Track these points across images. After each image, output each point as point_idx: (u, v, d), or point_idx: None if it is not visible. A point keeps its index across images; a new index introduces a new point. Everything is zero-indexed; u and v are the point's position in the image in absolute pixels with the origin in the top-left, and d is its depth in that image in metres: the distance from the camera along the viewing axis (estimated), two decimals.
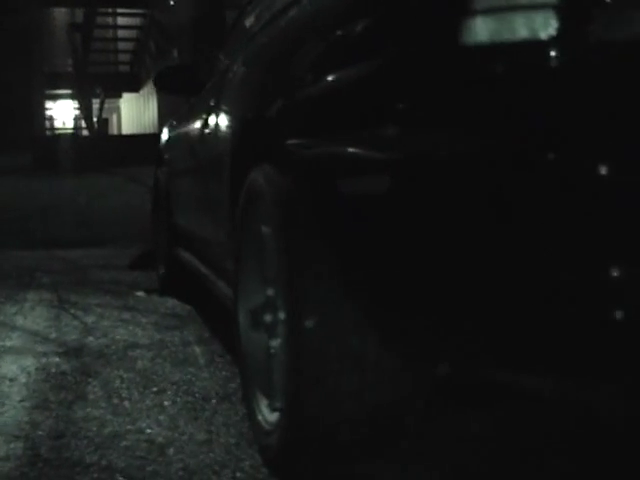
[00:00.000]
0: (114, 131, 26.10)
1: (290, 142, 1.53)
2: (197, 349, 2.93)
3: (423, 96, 1.16)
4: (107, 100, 20.93)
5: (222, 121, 2.28)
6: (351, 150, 1.31)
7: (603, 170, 1.02)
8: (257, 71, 1.97)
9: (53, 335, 3.22)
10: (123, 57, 21.44)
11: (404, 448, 1.66)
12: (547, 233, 1.07)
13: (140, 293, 4.16)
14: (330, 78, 1.42)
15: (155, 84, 3.36)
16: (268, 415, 1.78)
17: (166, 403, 2.29)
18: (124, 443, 1.97)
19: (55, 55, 21.66)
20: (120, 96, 23.33)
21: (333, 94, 1.39)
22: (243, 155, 1.92)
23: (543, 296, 1.08)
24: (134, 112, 23.14)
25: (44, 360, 2.80)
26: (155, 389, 2.43)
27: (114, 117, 26.65)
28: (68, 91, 20.65)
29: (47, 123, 22.84)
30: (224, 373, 2.57)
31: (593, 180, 1.03)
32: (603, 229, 1.04)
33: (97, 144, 16.32)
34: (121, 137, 21.26)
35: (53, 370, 2.67)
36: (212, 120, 2.50)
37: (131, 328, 3.33)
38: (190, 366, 2.69)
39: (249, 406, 1.92)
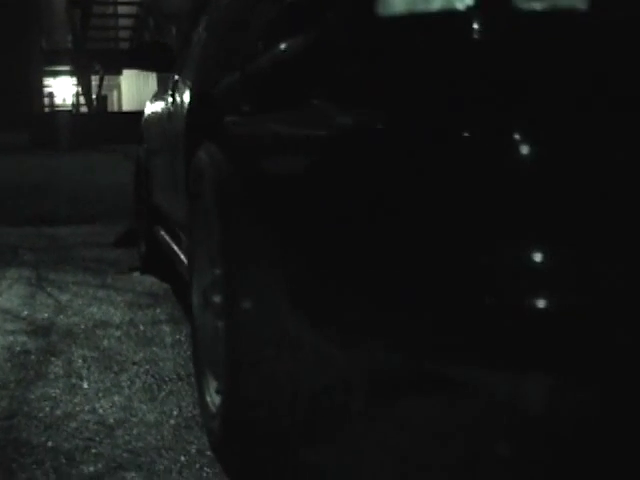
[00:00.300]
0: (114, 108, 26.00)
1: (227, 120, 1.49)
2: (166, 328, 2.91)
3: (345, 73, 1.11)
4: (107, 77, 20.84)
5: (180, 97, 2.24)
6: (276, 128, 1.27)
7: (525, 149, 0.98)
8: (206, 46, 1.92)
9: (25, 313, 3.19)
10: (123, 34, 21.29)
11: (348, 433, 1.62)
12: (470, 219, 1.02)
13: (130, 272, 4.13)
14: (263, 56, 1.37)
15: (129, 61, 3.31)
16: (215, 398, 1.75)
17: (124, 383, 2.26)
18: (74, 424, 1.94)
19: (55, 31, 21.54)
20: (120, 73, 23.18)
21: (265, 72, 1.35)
22: (193, 132, 1.88)
23: (462, 284, 1.04)
24: (134, 89, 23.02)
25: (10, 338, 2.78)
26: (116, 369, 2.40)
27: (114, 94, 26.53)
28: (68, 68, 20.54)
29: (47, 100, 22.75)
30: (188, 353, 2.54)
31: (513, 159, 0.99)
32: (525, 214, 1.00)
33: (95, 121, 16.25)
34: (120, 114, 21.16)
35: (18, 349, 2.64)
36: (174, 96, 2.45)
37: (104, 307, 3.30)
38: (155, 346, 2.66)
39: (200, 388, 1.89)
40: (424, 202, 1.04)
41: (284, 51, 1.28)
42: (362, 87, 1.08)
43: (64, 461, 1.72)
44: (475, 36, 1.00)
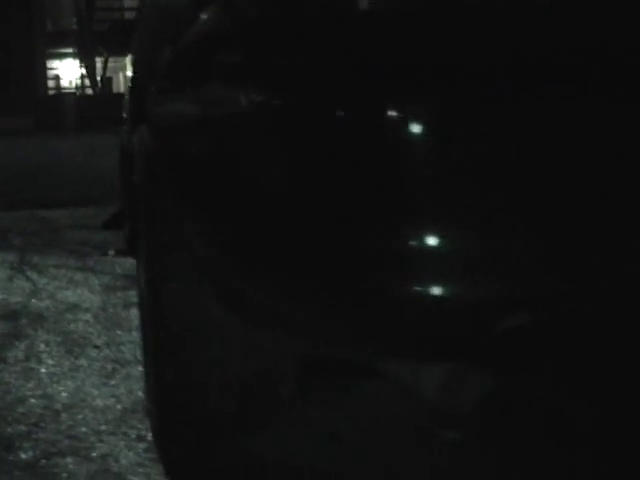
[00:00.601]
0: (121, 89, 25.95)
1: (149, 99, 1.46)
2: (136, 311, 2.88)
3: (239, 50, 1.07)
4: (113, 58, 20.78)
5: (130, 76, 2.21)
6: (182, 109, 1.23)
7: (409, 133, 0.93)
8: (141, 26, 1.89)
9: None
10: (129, 15, 21.21)
11: (283, 419, 1.59)
12: (363, 204, 0.98)
13: (111, 252, 4.12)
14: (177, 34, 1.33)
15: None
16: None
17: (81, 367, 2.24)
18: (22, 409, 1.93)
19: (60, 13, 21.50)
20: (126, 54, 23.12)
21: (175, 52, 1.31)
22: (134, 113, 1.84)
23: (350, 271, 1.00)
24: None
25: None
26: (77, 352, 2.39)
27: (120, 75, 26.48)
28: (74, 50, 20.52)
29: (53, 82, 22.74)
30: None
31: (396, 143, 0.94)
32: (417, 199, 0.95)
33: (100, 103, 16.23)
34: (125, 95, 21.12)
35: None
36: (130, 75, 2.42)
37: (79, 290, 3.29)
38: (121, 329, 2.64)
39: (145, 371, 1.87)
40: (314, 185, 1.00)
41: (194, 29, 1.24)
42: (250, 66, 1.04)
43: (3, 447, 1.71)
44: (361, 5, 0.95)
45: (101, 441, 1.72)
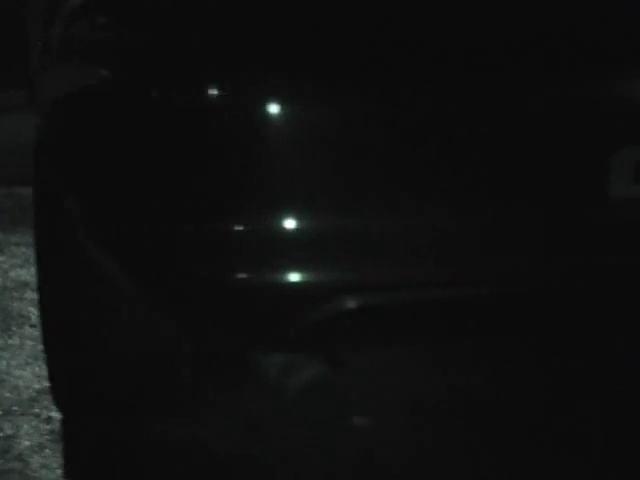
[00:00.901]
0: None
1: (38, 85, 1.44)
2: None
3: (84, 27, 1.05)
4: None
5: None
6: (49, 85, 1.21)
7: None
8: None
9: None
10: None
11: (187, 403, 1.58)
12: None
13: None
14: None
15: None
16: None
17: (12, 346, 2.23)
18: None
19: None
20: None
21: (52, 28, 1.30)
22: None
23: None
24: None
25: None
26: (12, 331, 2.37)
27: None
28: None
29: None
30: None
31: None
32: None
33: None
34: None
35: None
36: None
37: (34, 269, 3.25)
38: None
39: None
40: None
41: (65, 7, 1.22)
42: (93, 44, 1.02)
43: None
44: None
45: (9, 421, 1.71)
